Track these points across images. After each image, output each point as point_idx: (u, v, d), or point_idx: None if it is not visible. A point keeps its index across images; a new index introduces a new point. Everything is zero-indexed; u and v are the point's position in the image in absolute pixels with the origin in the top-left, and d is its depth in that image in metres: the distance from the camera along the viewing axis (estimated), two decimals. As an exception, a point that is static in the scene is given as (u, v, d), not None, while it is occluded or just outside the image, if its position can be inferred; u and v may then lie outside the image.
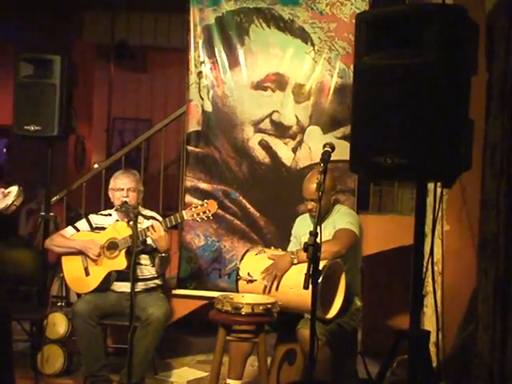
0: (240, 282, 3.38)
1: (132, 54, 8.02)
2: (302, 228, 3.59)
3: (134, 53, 8.08)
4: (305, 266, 3.15)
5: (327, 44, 4.23)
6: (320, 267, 3.08)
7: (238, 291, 3.39)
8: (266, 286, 3.26)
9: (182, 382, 4.02)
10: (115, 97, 8.35)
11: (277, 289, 3.27)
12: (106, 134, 8.68)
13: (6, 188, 3.55)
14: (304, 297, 3.07)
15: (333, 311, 3.26)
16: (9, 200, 3.42)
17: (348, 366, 3.56)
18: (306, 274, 2.60)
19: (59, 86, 4.19)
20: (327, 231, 3.32)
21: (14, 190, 3.49)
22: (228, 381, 3.46)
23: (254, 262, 3.40)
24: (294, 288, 3.18)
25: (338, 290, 3.29)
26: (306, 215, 3.59)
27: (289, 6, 4.29)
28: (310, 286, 2.75)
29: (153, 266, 3.87)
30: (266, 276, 3.27)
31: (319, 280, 3.06)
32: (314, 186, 3.36)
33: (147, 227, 3.64)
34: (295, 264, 3.25)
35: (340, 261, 3.29)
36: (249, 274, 3.35)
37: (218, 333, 3.24)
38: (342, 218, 3.42)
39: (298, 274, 3.18)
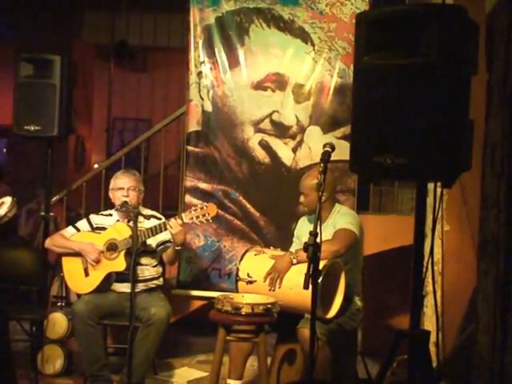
0: (239, 283, 3.37)
1: (132, 54, 8.04)
2: (303, 228, 3.59)
3: (134, 53, 8.09)
4: (304, 266, 3.17)
5: (327, 44, 4.23)
6: (320, 267, 3.11)
7: (237, 292, 3.39)
8: (270, 290, 3.26)
9: (182, 382, 4.02)
10: (115, 97, 8.36)
11: (279, 288, 3.27)
12: (106, 133, 8.69)
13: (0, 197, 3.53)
14: (304, 297, 3.07)
15: (333, 311, 3.26)
16: (2, 211, 3.39)
17: (348, 365, 3.56)
18: (305, 274, 2.60)
19: (59, 86, 4.18)
20: (327, 232, 3.32)
21: (7, 201, 3.44)
22: (228, 381, 3.46)
23: (253, 263, 3.39)
24: (294, 288, 3.18)
25: (338, 289, 3.29)
26: (309, 216, 3.59)
27: (289, 6, 4.29)
28: (310, 286, 2.77)
29: (153, 267, 3.87)
30: (269, 281, 3.26)
31: (319, 280, 3.07)
32: (308, 181, 3.41)
33: (163, 223, 3.63)
34: (295, 264, 3.25)
35: (340, 260, 3.29)
36: (248, 274, 3.35)
37: (218, 333, 3.24)
38: (341, 219, 3.42)
39: (297, 274, 3.19)
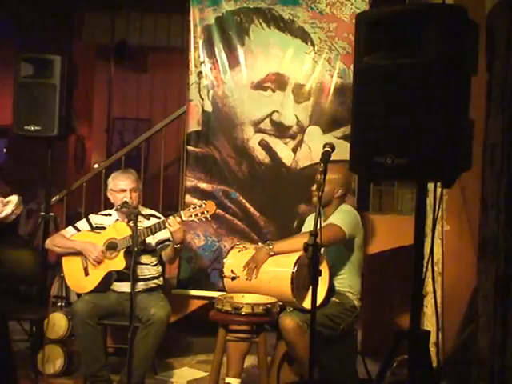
0: (225, 280, 3.44)
1: (132, 54, 8.04)
2: (311, 225, 3.60)
3: (134, 53, 8.09)
4: (282, 258, 3.27)
5: (327, 44, 4.23)
6: (295, 258, 3.18)
7: (224, 289, 3.46)
8: (247, 279, 3.34)
9: (182, 382, 4.02)
10: (115, 97, 8.37)
11: (255, 278, 3.34)
12: (106, 134, 8.69)
13: (5, 197, 3.57)
14: (282, 290, 3.16)
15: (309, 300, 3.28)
16: (8, 209, 3.43)
17: (348, 365, 3.56)
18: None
19: (59, 86, 4.18)
20: None
21: (14, 199, 3.50)
22: (227, 379, 3.46)
23: (237, 259, 3.45)
24: (273, 281, 3.28)
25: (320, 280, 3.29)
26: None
27: (289, 6, 4.29)
28: (290, 282, 2.82)
29: (153, 266, 3.87)
30: (246, 270, 3.35)
31: (294, 270, 3.13)
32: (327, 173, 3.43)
33: (163, 220, 3.63)
34: (272, 255, 3.33)
35: (321, 252, 3.30)
36: (232, 271, 3.42)
37: (218, 333, 3.24)
38: (336, 215, 3.46)
39: (275, 267, 3.30)
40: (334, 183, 3.49)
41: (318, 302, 3.23)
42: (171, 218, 3.58)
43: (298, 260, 3.21)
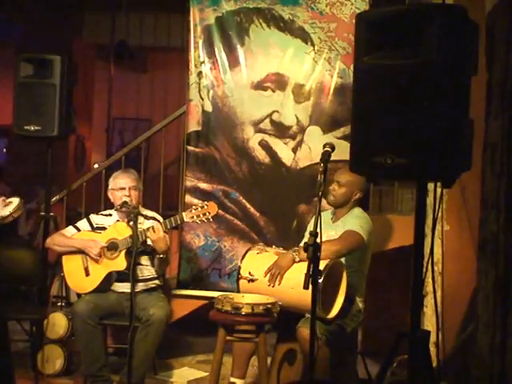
0: (241, 282, 3.38)
1: (132, 54, 8.03)
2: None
3: (134, 53, 8.08)
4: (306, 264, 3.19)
5: (327, 44, 4.22)
6: (321, 267, 3.12)
7: (238, 290, 3.40)
8: (269, 286, 3.27)
9: (182, 382, 4.02)
10: (115, 97, 8.36)
11: (279, 285, 3.27)
12: (106, 134, 8.69)
13: (7, 197, 3.57)
14: (305, 296, 3.08)
15: (333, 311, 3.27)
16: (7, 211, 3.43)
17: (348, 366, 3.56)
18: (305, 274, 2.60)
19: (59, 86, 4.18)
20: (339, 231, 3.36)
21: (15, 201, 3.50)
22: (232, 379, 3.46)
23: (255, 261, 3.40)
24: (296, 287, 3.18)
25: (339, 290, 3.29)
26: (325, 212, 3.57)
27: (289, 6, 4.29)
28: (311, 286, 2.77)
29: (153, 266, 3.87)
30: (269, 276, 3.28)
31: (320, 280, 3.09)
32: (348, 174, 3.40)
33: (147, 228, 3.64)
34: (297, 262, 3.26)
35: (342, 261, 3.29)
36: (250, 273, 3.36)
37: (218, 333, 3.24)
38: (353, 221, 3.44)
39: (299, 273, 3.18)
40: (354, 186, 3.49)
41: (335, 312, 3.24)
42: (154, 226, 3.58)
43: (324, 269, 3.11)
